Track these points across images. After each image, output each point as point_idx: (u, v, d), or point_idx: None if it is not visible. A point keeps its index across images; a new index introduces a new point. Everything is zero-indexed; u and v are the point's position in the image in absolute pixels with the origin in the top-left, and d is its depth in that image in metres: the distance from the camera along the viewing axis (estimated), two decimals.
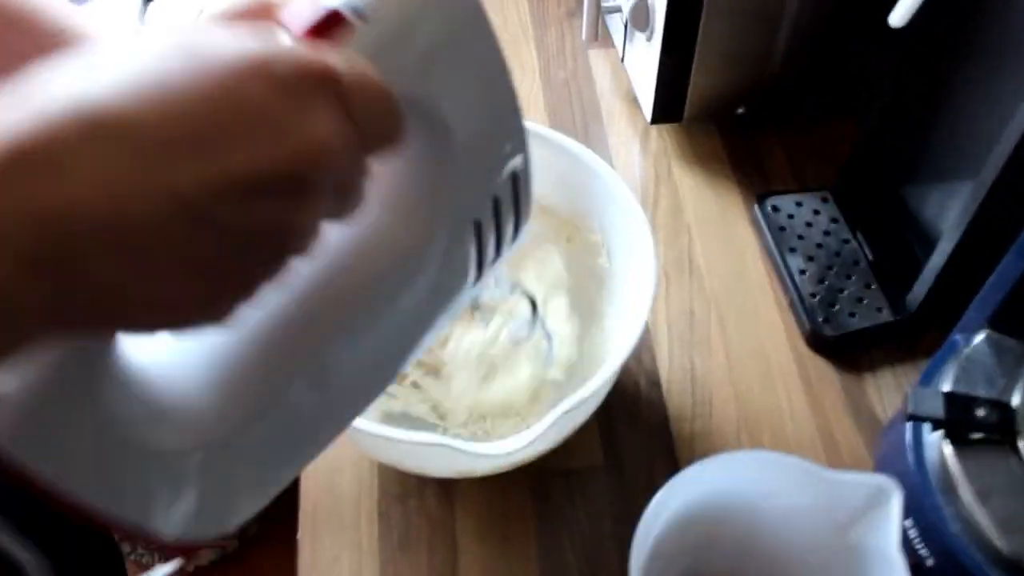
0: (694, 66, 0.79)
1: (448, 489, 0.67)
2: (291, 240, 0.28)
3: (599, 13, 0.85)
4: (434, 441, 0.54)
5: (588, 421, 0.64)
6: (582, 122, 0.89)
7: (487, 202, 0.34)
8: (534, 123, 0.67)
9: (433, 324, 0.37)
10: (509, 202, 0.35)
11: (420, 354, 0.39)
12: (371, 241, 0.35)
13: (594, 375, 0.57)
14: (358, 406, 0.37)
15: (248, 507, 0.33)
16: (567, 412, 0.54)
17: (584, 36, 0.86)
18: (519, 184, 0.35)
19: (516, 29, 0.97)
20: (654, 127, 0.88)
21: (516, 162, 0.34)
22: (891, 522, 0.48)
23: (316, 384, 0.34)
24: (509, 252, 0.38)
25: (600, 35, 0.88)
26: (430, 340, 0.38)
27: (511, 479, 0.67)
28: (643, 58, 0.82)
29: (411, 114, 0.29)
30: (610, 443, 0.69)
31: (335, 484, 0.68)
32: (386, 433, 0.54)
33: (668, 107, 0.83)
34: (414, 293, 0.35)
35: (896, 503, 0.48)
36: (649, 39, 0.80)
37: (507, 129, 0.34)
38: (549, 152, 0.67)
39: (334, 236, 0.34)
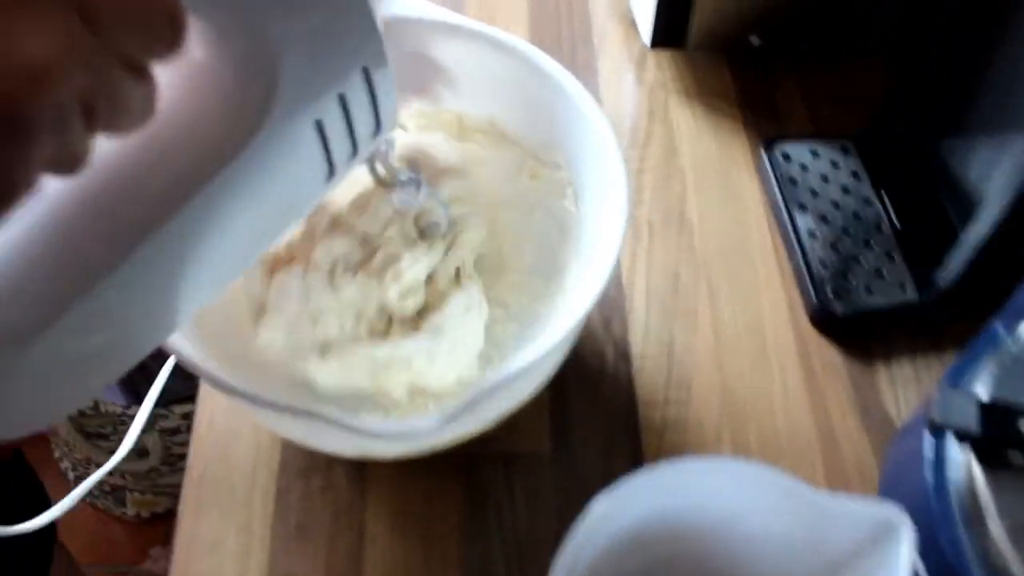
0: None
1: (362, 468, 0.55)
2: (17, 188, 0.24)
3: None
4: (300, 409, 0.42)
5: (537, 396, 0.52)
6: (569, 41, 0.76)
7: (330, 99, 0.34)
8: (497, 29, 0.54)
9: (282, 219, 0.38)
10: (363, 99, 0.35)
11: (264, 248, 0.39)
12: (180, 136, 0.32)
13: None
14: (183, 306, 0.36)
15: (30, 416, 0.33)
16: (492, 390, 0.42)
17: None
18: (373, 80, 0.35)
19: None
20: (652, 54, 0.75)
21: (366, 58, 0.34)
22: (897, 567, 0.36)
23: (122, 286, 0.32)
24: (371, 146, 0.39)
25: None
26: (277, 236, 0.39)
27: (439, 460, 0.55)
28: None
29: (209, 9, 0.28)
30: (562, 425, 0.57)
31: (230, 450, 0.56)
32: (237, 389, 0.42)
33: (670, 28, 0.70)
34: (245, 188, 0.33)
35: (906, 543, 0.36)
36: None
37: (350, 26, 0.33)
38: (512, 65, 0.54)
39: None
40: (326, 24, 0.32)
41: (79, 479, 1.32)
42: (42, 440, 1.37)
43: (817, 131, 0.70)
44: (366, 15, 0.34)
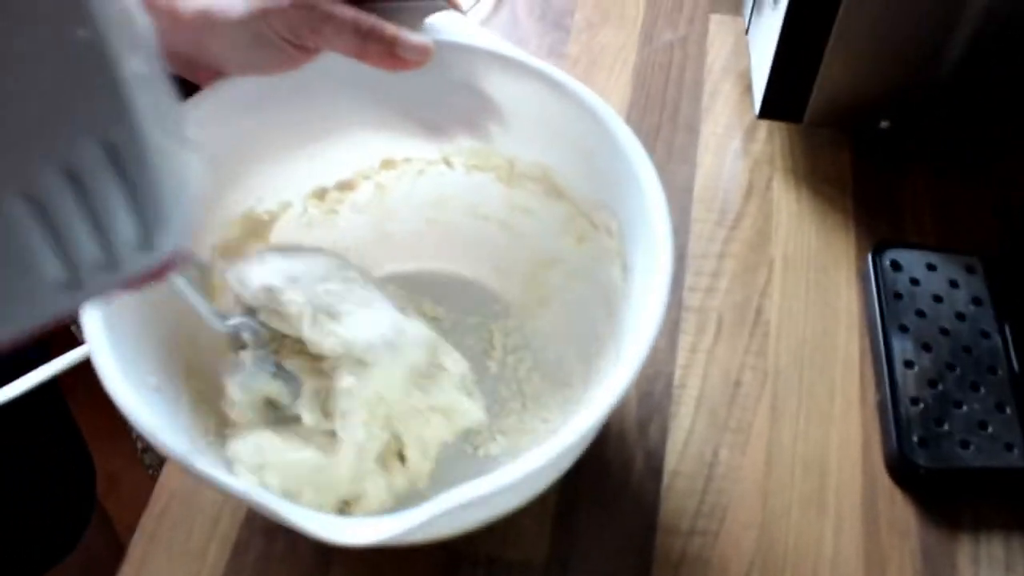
0: (828, 49, 0.56)
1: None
2: None
3: None
4: (250, 496, 0.36)
5: (542, 497, 0.44)
6: (674, 99, 0.68)
7: (46, 169, 0.26)
8: (555, 69, 0.46)
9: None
10: (108, 186, 0.27)
11: None
12: None
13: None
14: None
15: None
16: (463, 505, 0.35)
17: None
18: (124, 162, 0.27)
19: None
20: (764, 124, 0.66)
21: (107, 132, 0.27)
22: None
23: None
24: (140, 262, 0.29)
25: None
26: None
27: (415, 552, 0.48)
28: (767, 29, 0.61)
29: None
30: (564, 533, 0.49)
31: (199, 487, 0.51)
32: (187, 465, 0.36)
33: (784, 99, 0.61)
34: None
35: None
36: (776, 2, 0.58)
37: (78, 80, 0.26)
38: (569, 111, 0.46)
39: None
40: (32, 58, 0.25)
41: (144, 450, 1.31)
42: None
43: (940, 242, 0.59)
44: (105, 67, 0.26)
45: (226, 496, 0.50)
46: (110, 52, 0.25)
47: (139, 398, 0.38)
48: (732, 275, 0.58)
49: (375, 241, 0.55)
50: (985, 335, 0.54)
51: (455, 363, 0.46)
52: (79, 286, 0.28)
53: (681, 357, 0.55)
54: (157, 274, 0.30)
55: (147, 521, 0.50)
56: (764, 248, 0.60)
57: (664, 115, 0.67)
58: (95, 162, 0.27)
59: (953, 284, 0.56)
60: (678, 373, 0.54)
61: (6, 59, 0.25)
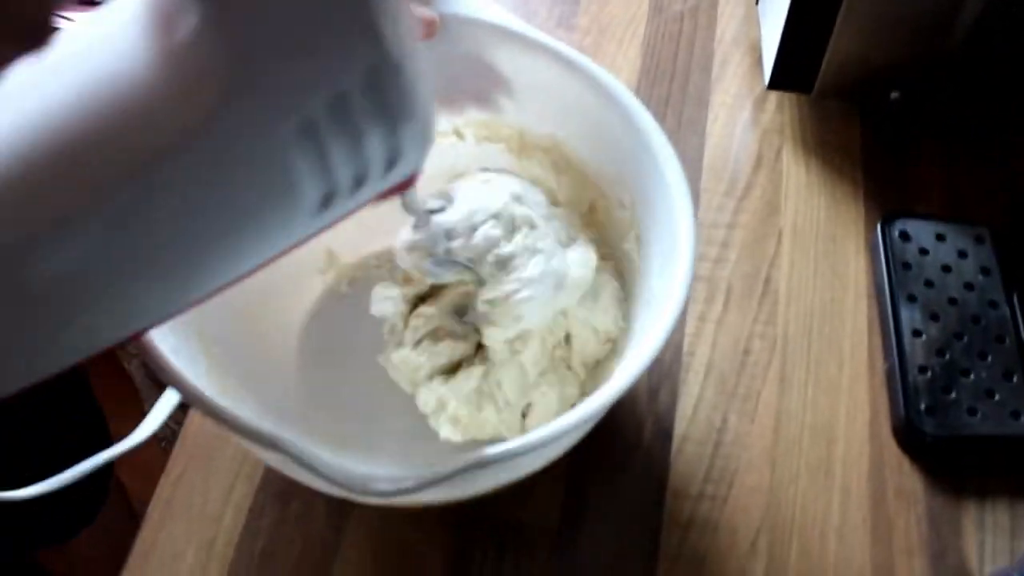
0: (838, 20, 0.56)
1: (344, 505, 0.49)
2: None
3: None
4: (266, 437, 0.36)
5: (555, 462, 0.45)
6: (684, 69, 0.68)
7: (318, 95, 0.27)
8: (562, 44, 0.46)
9: (253, 247, 0.30)
10: (369, 109, 0.28)
11: (226, 281, 0.31)
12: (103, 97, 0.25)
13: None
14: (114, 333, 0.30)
15: None
16: (484, 463, 0.35)
17: None
18: (382, 83, 0.28)
19: None
20: (774, 95, 0.66)
21: (372, 56, 0.27)
22: None
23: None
24: (389, 179, 0.31)
25: None
26: (247, 266, 0.31)
27: (427, 513, 0.49)
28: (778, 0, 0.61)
29: None
30: (575, 499, 0.49)
31: (215, 453, 0.52)
32: (207, 404, 0.37)
33: (794, 70, 0.61)
34: (204, 176, 0.27)
35: None
36: None
37: (342, 10, 0.26)
38: (578, 85, 0.46)
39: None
40: None
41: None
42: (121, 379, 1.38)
43: (949, 212, 0.59)
44: (364, 4, 0.27)
45: (243, 459, 0.51)
46: None
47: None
48: (741, 245, 0.59)
49: (386, 211, 0.56)
50: (993, 305, 0.54)
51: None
52: (331, 205, 0.30)
53: (691, 326, 0.55)
54: (397, 190, 0.33)
55: (164, 487, 0.51)
56: (773, 218, 0.60)
57: (674, 86, 0.67)
58: (359, 87, 0.28)
59: (962, 254, 0.56)
60: (687, 341, 0.55)
61: None
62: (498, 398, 0.48)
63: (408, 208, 0.41)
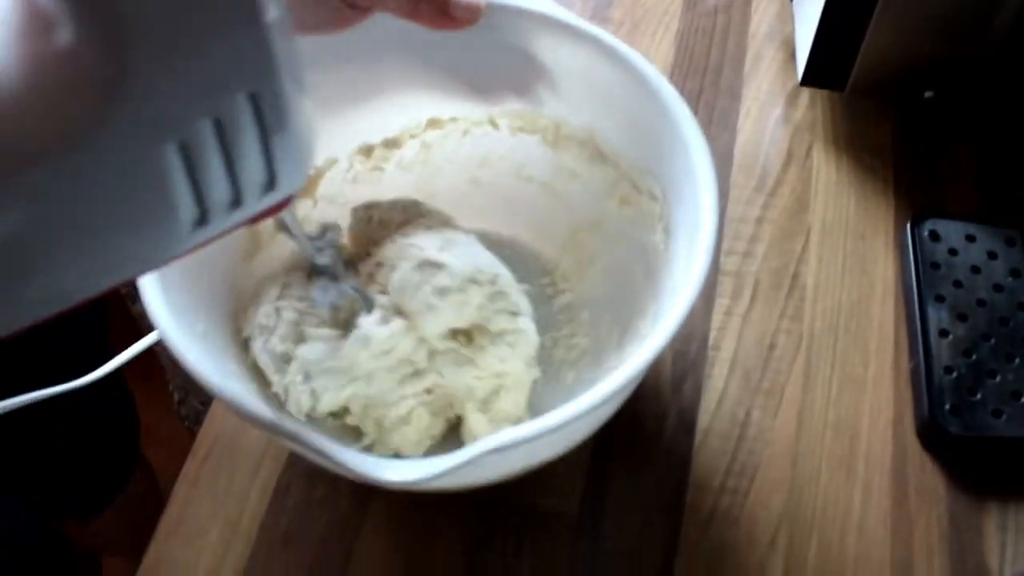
0: (873, 17, 0.56)
1: (368, 488, 0.50)
2: None
3: None
4: (285, 431, 0.37)
5: (578, 448, 0.45)
6: (717, 64, 0.68)
7: (196, 119, 0.28)
8: (607, 33, 0.46)
9: (125, 259, 0.30)
10: (249, 135, 0.29)
11: (109, 283, 0.30)
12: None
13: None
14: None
15: None
16: (501, 449, 0.36)
17: None
18: (263, 112, 0.29)
19: None
20: (806, 91, 0.66)
21: (252, 83, 0.28)
22: None
23: None
24: (263, 202, 0.31)
25: None
26: (127, 272, 0.31)
27: (449, 497, 0.49)
28: None
29: None
30: (597, 485, 0.50)
31: (243, 431, 0.53)
32: (224, 396, 0.38)
33: (828, 66, 0.61)
34: (80, 190, 0.27)
35: None
36: None
37: (228, 34, 0.27)
38: (617, 75, 0.46)
39: None
40: (193, 18, 0.26)
41: (181, 402, 1.34)
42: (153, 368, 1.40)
43: (981, 213, 0.59)
44: (253, 28, 0.27)
45: (270, 440, 0.52)
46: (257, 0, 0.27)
47: (188, 343, 0.39)
48: (770, 241, 0.59)
49: (419, 199, 0.56)
50: (1022, 307, 0.54)
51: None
52: (206, 224, 0.30)
53: (717, 320, 0.55)
54: (273, 211, 0.33)
55: (190, 465, 0.52)
56: (802, 215, 0.60)
57: (706, 80, 0.67)
58: (240, 111, 0.28)
59: (992, 256, 0.56)
60: (713, 335, 0.55)
61: (180, 21, 0.26)
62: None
63: (282, 228, 0.42)
